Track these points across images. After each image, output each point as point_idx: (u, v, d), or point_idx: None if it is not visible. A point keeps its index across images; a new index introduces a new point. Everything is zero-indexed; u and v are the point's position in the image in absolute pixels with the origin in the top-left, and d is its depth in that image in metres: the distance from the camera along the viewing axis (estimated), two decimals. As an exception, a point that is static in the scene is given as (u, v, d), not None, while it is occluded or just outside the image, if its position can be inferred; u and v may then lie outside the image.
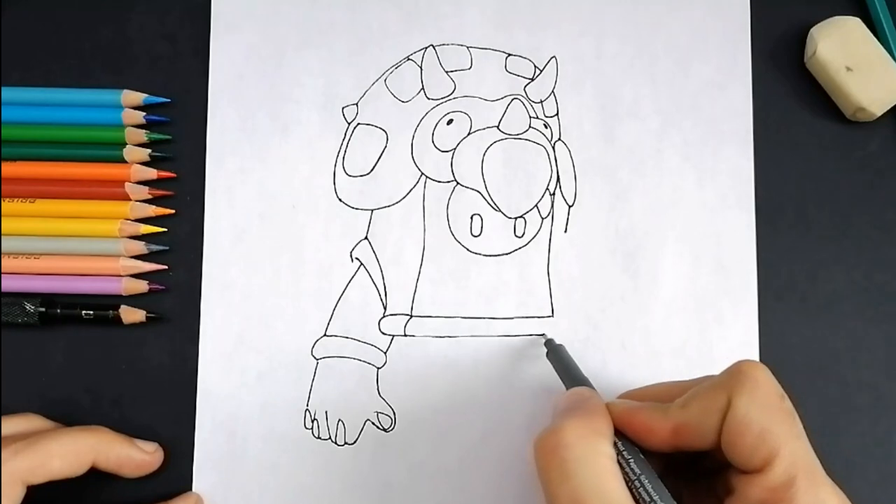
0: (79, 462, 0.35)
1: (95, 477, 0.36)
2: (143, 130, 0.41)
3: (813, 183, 0.41)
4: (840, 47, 0.40)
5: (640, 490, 0.30)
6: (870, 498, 0.39)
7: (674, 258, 0.40)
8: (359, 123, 0.41)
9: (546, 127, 0.41)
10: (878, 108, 0.40)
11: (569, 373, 0.36)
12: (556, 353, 0.38)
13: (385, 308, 0.40)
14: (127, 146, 0.40)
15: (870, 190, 0.41)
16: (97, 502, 0.38)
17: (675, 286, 0.40)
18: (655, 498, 0.29)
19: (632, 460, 0.30)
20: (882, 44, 0.41)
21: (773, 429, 0.29)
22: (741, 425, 0.29)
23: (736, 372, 0.30)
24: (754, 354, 0.40)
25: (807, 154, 0.42)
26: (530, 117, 0.40)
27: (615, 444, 0.31)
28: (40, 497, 0.34)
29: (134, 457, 0.37)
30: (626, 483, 0.30)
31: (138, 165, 0.40)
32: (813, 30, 0.41)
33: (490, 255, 0.40)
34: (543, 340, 0.39)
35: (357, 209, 0.40)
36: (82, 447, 0.36)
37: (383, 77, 0.41)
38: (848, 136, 0.42)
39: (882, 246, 0.41)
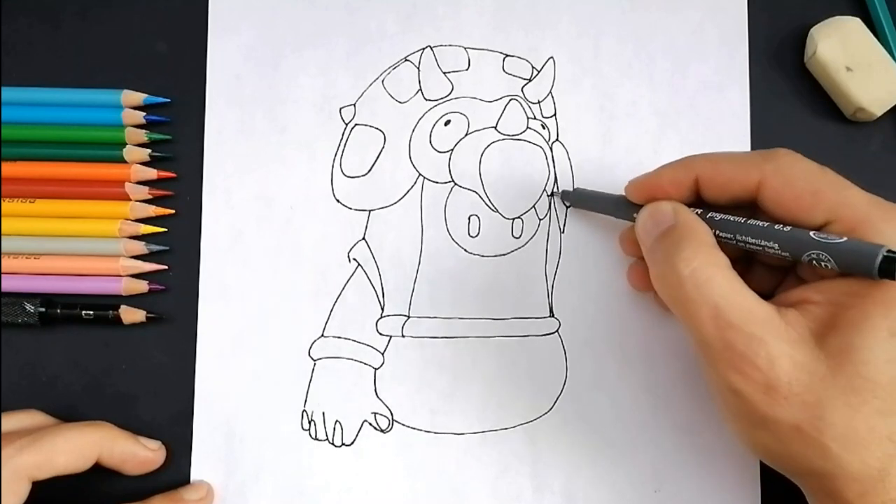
0: (83, 457, 0.36)
1: (95, 475, 0.36)
2: (143, 130, 0.41)
3: (812, 183, 0.41)
4: (840, 47, 0.40)
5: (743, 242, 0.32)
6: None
7: (671, 259, 0.40)
8: (356, 124, 0.41)
9: (544, 128, 0.41)
10: (878, 108, 0.40)
11: (608, 199, 0.38)
12: (579, 195, 0.40)
13: (382, 309, 0.40)
14: (127, 146, 0.41)
15: (870, 190, 0.41)
16: (97, 500, 0.38)
17: (672, 287, 0.40)
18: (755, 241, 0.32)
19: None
20: (882, 44, 0.40)
21: (823, 186, 0.32)
22: (790, 193, 0.32)
23: (772, 156, 0.33)
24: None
25: (807, 154, 0.41)
26: (528, 118, 0.40)
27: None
28: (42, 492, 0.35)
29: (138, 453, 0.37)
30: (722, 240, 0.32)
31: (138, 165, 0.40)
32: (813, 30, 0.41)
33: (488, 256, 0.40)
34: (557, 197, 0.40)
35: (354, 210, 0.40)
36: (87, 442, 0.36)
37: (381, 78, 0.41)
38: (848, 136, 0.41)
39: (882, 246, 0.41)
